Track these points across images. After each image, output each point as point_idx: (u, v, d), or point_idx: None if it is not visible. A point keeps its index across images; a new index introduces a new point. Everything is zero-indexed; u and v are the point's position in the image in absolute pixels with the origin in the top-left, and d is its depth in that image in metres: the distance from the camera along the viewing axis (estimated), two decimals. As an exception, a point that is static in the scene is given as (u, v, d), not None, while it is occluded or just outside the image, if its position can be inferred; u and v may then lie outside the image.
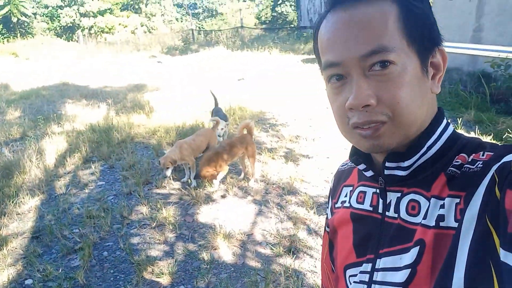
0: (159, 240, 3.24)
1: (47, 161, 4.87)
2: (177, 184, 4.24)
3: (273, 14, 32.85)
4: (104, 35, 30.16)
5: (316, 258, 2.91)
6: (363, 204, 0.69)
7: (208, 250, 3.06)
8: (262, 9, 35.15)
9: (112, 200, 3.99)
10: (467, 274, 0.49)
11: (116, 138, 5.60)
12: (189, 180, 4.25)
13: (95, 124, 6.26)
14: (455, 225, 0.53)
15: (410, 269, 0.56)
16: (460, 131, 4.83)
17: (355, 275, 0.67)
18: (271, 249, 3.04)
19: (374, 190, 0.68)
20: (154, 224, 3.45)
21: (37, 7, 30.24)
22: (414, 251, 0.56)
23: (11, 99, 8.87)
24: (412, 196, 0.60)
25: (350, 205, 0.72)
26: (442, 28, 0.62)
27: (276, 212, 3.58)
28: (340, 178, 0.80)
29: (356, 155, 0.68)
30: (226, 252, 3.05)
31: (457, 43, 6.98)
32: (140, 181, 4.24)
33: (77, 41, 25.97)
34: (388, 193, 0.64)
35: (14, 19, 26.52)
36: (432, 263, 0.54)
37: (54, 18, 29.81)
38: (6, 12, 26.01)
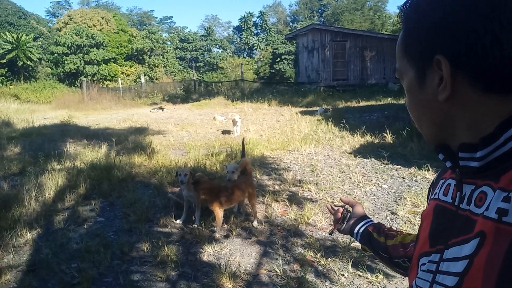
0: (161, 277, 3.10)
1: (46, 196, 4.77)
2: (179, 223, 4.14)
3: (271, 70, 34.22)
4: (106, 82, 30.95)
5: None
6: (446, 196, 0.69)
7: (212, 289, 2.93)
8: (261, 66, 36.64)
9: (112, 236, 3.87)
10: None
11: (117, 177, 5.54)
12: (193, 217, 4.15)
13: (96, 162, 6.22)
14: None
15: (468, 260, 0.56)
16: None
17: (425, 264, 0.67)
18: (279, 290, 2.91)
19: (454, 182, 0.68)
20: (156, 261, 3.32)
21: (43, 53, 31.19)
22: (474, 243, 0.56)
23: (11, 136, 8.86)
24: (483, 188, 0.59)
25: (438, 197, 0.72)
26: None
27: (282, 254, 3.48)
28: (442, 172, 0.79)
29: (438, 146, 0.68)
30: (231, 292, 2.91)
31: None
32: (141, 218, 4.14)
33: (79, 87, 26.54)
34: (464, 185, 0.64)
35: (20, 63, 27.26)
36: (487, 257, 0.53)
37: (59, 64, 30.71)
38: (13, 56, 26.79)
